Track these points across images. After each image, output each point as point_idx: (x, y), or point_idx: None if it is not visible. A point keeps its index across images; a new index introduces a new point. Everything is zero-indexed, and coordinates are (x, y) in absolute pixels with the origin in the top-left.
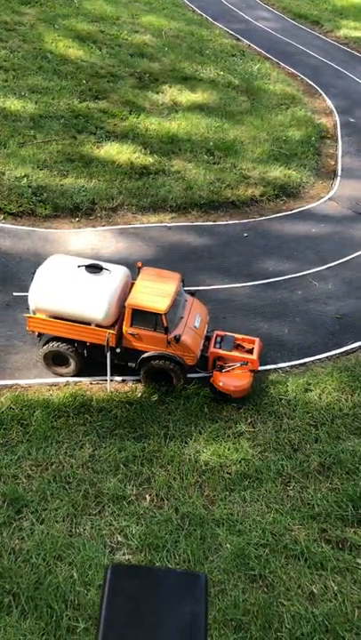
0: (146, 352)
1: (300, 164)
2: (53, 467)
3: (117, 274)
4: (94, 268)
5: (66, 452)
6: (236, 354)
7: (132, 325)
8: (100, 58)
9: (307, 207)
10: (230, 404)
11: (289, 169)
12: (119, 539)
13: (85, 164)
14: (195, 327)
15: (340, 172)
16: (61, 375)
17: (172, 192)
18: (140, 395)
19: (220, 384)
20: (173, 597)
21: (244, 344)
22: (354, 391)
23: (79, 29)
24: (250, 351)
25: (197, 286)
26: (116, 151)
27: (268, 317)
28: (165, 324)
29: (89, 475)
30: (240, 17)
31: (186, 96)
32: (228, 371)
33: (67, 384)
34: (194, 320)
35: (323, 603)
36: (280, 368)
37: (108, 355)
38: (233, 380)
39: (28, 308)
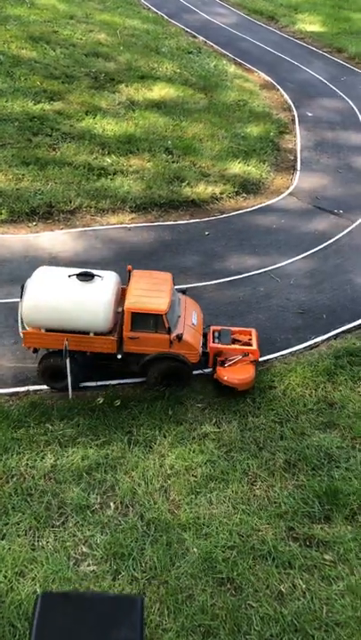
0: (147, 355)
1: (259, 159)
2: (14, 479)
3: (109, 280)
4: (86, 276)
5: (27, 464)
6: (235, 347)
7: (132, 329)
8: (54, 58)
9: (267, 203)
10: (237, 396)
11: (248, 165)
12: (84, 549)
13: (41, 167)
14: (193, 324)
15: (299, 167)
16: (59, 390)
17: (132, 192)
18: (102, 401)
19: (225, 378)
20: (107, 625)
21: (241, 337)
22: (318, 386)
23: (32, 30)
24: (247, 343)
25: None
26: (72, 153)
27: (230, 315)
28: (167, 325)
29: (51, 485)
30: (196, 14)
31: (143, 95)
32: (230, 365)
33: (27, 393)
34: (191, 318)
35: (291, 602)
36: None
37: (68, 361)
38: (237, 373)
39: (21, 324)
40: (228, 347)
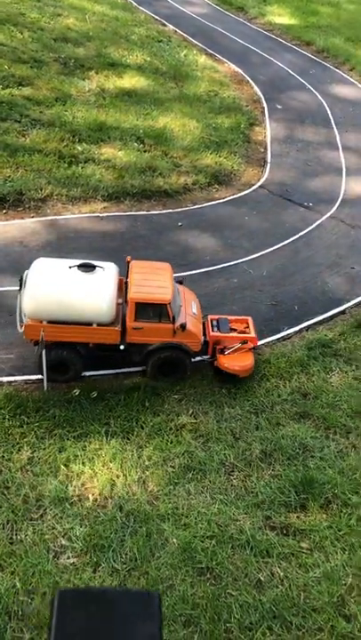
0: (150, 345)
1: (230, 151)
2: None
3: (110, 270)
4: (87, 267)
5: (3, 457)
6: (235, 335)
7: (136, 319)
8: (21, 42)
9: (239, 195)
10: (233, 384)
11: (220, 156)
12: (63, 542)
13: (11, 154)
14: (193, 314)
15: (269, 159)
16: (59, 382)
17: (103, 181)
18: (78, 392)
19: (226, 366)
20: (128, 621)
21: (236, 325)
22: (291, 377)
23: None
24: (242, 331)
25: None
26: (42, 140)
27: (205, 307)
28: (172, 314)
29: (28, 478)
30: (165, 1)
31: (113, 82)
32: (230, 353)
33: (0, 385)
34: (191, 307)
35: (270, 589)
36: None
37: (44, 352)
38: (237, 361)
39: (20, 316)
40: (228, 335)
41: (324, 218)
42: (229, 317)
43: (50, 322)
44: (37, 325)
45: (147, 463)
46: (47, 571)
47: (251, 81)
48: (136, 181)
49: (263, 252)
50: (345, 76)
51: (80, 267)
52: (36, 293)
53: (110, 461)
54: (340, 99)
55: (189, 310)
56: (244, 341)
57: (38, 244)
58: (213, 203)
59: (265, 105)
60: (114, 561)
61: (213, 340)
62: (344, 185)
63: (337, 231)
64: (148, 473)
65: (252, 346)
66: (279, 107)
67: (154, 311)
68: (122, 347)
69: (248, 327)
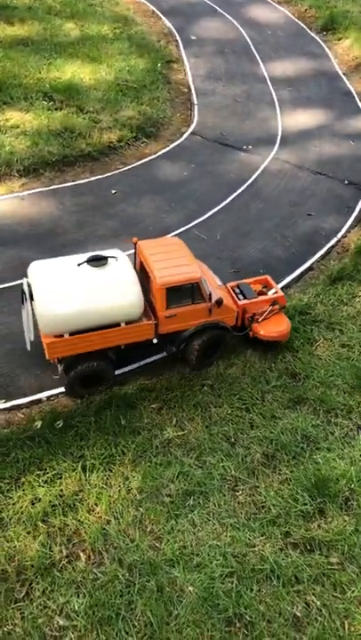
0: (185, 330)
1: (151, 97)
2: None
3: (123, 258)
4: (99, 261)
5: None
6: (263, 298)
7: (168, 307)
8: None
9: (171, 147)
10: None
11: (142, 104)
12: (60, 622)
13: None
14: (219, 285)
15: (195, 101)
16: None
17: (16, 153)
18: (40, 425)
19: (263, 334)
20: None
21: (256, 287)
22: (276, 357)
23: None
24: (261, 292)
25: None
26: None
27: None
28: (207, 291)
29: (1, 545)
30: None
31: (2, 30)
32: (264, 319)
33: None
34: (215, 279)
35: (309, 625)
36: None
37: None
38: (273, 326)
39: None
40: (256, 300)
41: (267, 161)
42: (248, 281)
43: (72, 333)
44: (60, 341)
45: (138, 497)
46: None
47: (157, 11)
48: (53, 147)
49: (212, 212)
50: None
51: (90, 261)
52: (50, 304)
53: (95, 504)
54: (257, 22)
55: (214, 283)
56: (274, 302)
57: None
58: (146, 160)
59: (178, 38)
60: (126, 633)
61: (242, 309)
62: (280, 119)
63: (284, 174)
64: (142, 510)
65: (281, 306)
66: (193, 38)
67: (186, 293)
68: (155, 340)
69: (267, 287)
